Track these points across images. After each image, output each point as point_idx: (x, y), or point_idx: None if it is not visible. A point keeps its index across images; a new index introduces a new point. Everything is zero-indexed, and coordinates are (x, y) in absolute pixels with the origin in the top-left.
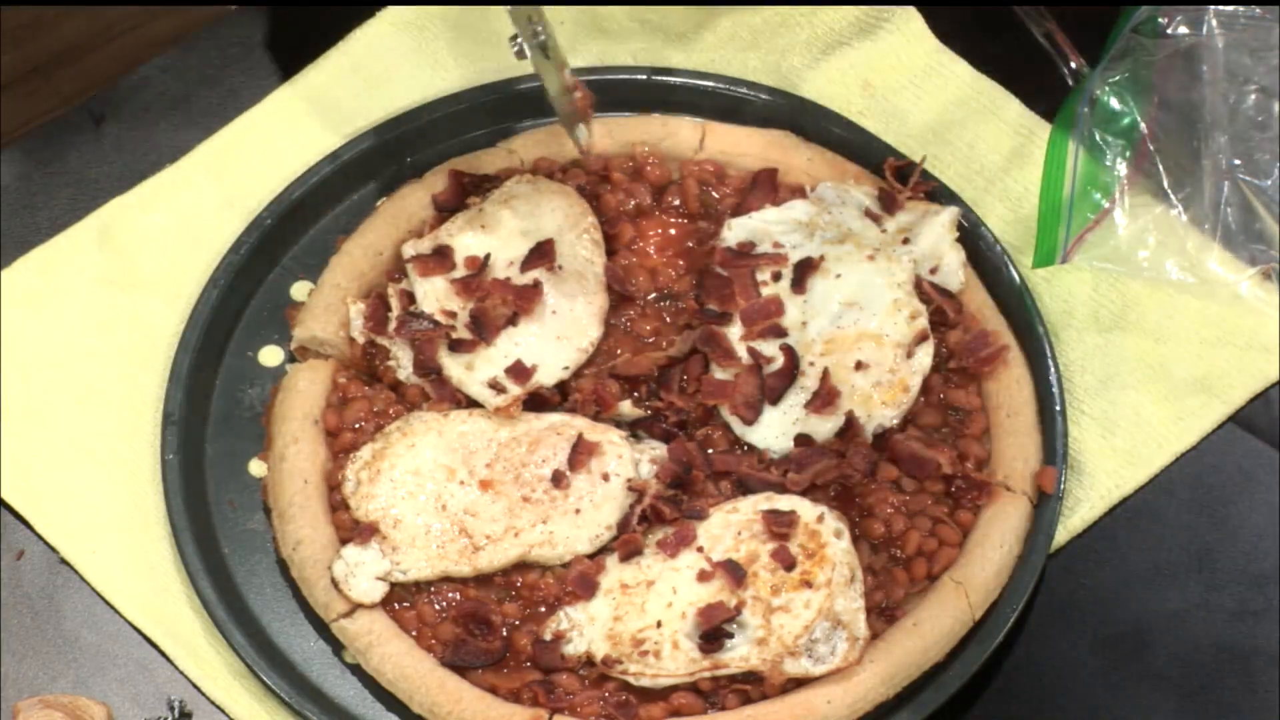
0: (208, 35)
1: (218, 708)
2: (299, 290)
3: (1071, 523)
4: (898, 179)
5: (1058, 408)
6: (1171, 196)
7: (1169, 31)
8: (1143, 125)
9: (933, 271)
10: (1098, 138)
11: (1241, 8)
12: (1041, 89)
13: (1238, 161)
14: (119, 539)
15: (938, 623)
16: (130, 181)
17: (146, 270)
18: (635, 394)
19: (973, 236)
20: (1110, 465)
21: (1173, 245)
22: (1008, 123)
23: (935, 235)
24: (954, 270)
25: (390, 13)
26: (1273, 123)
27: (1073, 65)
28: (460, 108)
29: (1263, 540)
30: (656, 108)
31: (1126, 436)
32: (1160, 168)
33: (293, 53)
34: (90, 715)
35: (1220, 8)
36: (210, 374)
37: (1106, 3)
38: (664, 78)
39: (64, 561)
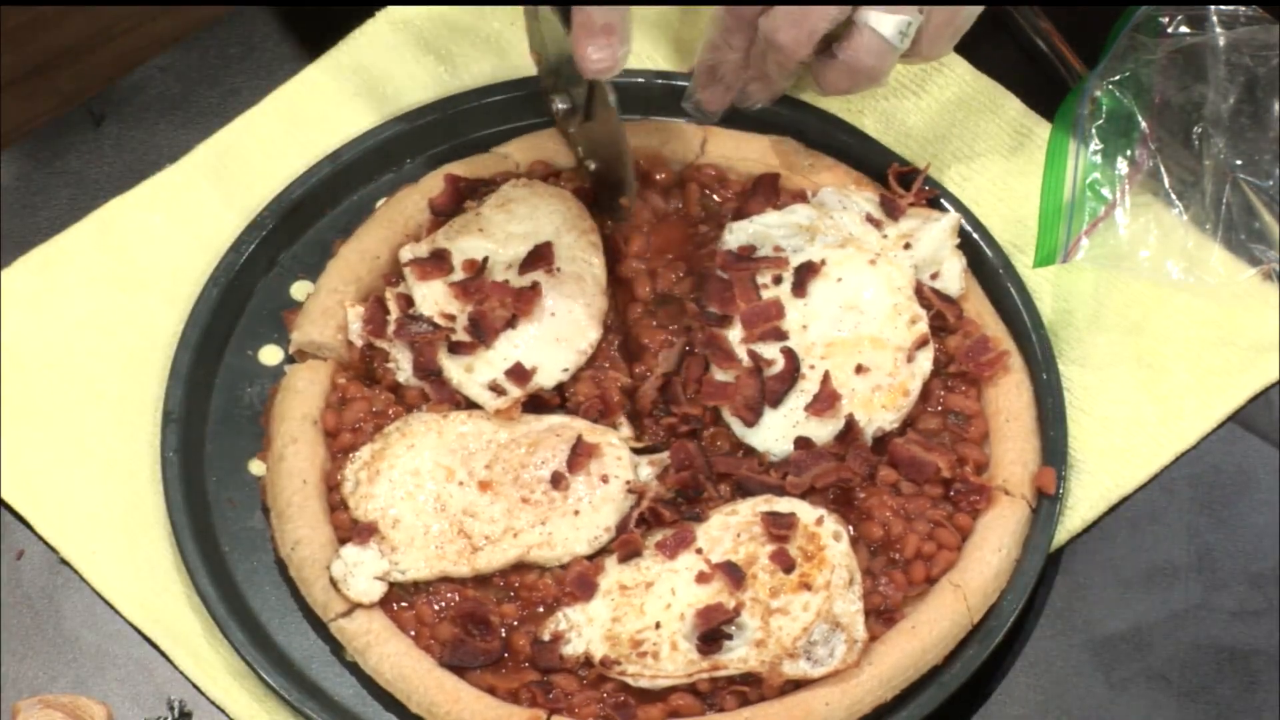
0: (208, 35)
1: (218, 707)
2: (299, 290)
3: (1071, 523)
4: (900, 185)
5: (1057, 413)
6: (1172, 196)
7: (1169, 31)
8: (1143, 125)
9: (933, 277)
10: (1098, 138)
11: (1242, 8)
12: (1041, 89)
13: (1238, 161)
14: (119, 539)
15: (936, 625)
16: (130, 181)
17: (146, 270)
18: (649, 417)
19: (973, 238)
20: (1110, 465)
21: (1173, 245)
22: (1008, 123)
23: (936, 241)
24: (954, 276)
25: (390, 12)
26: (1273, 123)
27: (1069, 65)
28: (460, 108)
29: (1263, 540)
30: (657, 112)
31: (1126, 436)
32: (1160, 168)
33: (293, 53)
34: (90, 715)
35: (1220, 8)
36: (210, 373)
37: (1106, 2)
38: (664, 81)
39: (64, 561)
